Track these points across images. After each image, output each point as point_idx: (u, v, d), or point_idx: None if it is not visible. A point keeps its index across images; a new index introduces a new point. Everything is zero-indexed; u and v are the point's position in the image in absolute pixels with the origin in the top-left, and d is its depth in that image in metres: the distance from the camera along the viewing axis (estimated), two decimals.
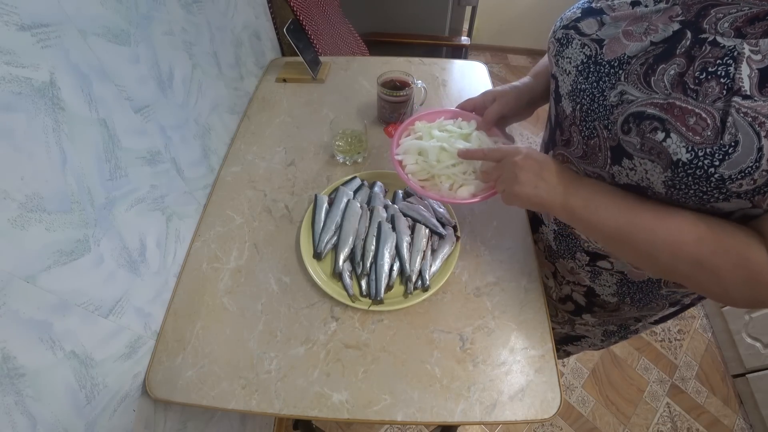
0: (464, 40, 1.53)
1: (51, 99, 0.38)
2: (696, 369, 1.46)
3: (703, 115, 0.35)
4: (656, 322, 0.67)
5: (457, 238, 0.65)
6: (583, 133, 0.48)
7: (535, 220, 0.69)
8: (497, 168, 0.53)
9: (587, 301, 0.66)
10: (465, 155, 0.57)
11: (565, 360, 1.46)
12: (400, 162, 0.62)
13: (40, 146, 0.37)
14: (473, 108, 0.67)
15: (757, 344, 1.32)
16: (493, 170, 0.54)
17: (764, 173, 0.34)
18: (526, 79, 0.65)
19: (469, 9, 1.61)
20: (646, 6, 0.42)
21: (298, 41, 0.91)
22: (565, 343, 0.85)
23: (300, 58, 0.93)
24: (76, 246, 0.42)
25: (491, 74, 1.03)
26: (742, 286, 0.38)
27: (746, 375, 1.36)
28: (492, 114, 0.62)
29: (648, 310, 0.63)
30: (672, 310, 0.63)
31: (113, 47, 0.47)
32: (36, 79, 0.36)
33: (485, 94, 0.66)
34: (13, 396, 0.35)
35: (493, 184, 0.55)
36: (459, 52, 1.56)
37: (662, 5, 0.41)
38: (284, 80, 0.97)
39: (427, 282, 0.60)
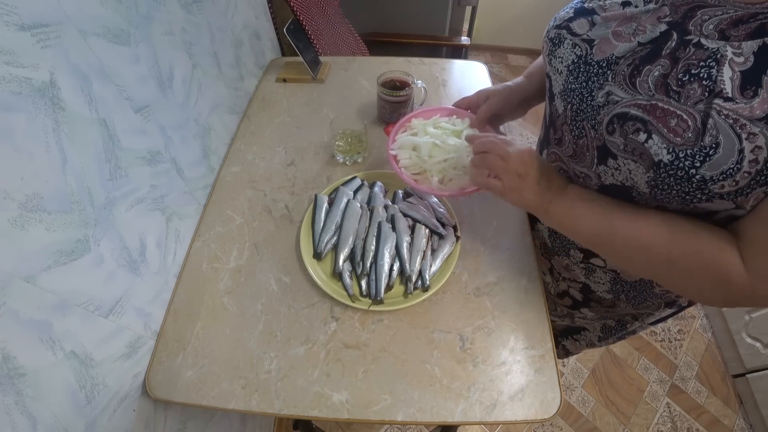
0: (464, 40, 1.53)
1: (51, 99, 0.38)
2: (696, 369, 1.46)
3: (684, 116, 0.35)
4: (654, 323, 0.67)
5: (457, 238, 0.65)
6: (573, 133, 0.48)
7: (532, 218, 0.70)
8: (487, 161, 0.52)
9: (584, 296, 0.67)
10: (471, 139, 0.57)
11: (565, 360, 1.46)
12: (395, 156, 0.65)
13: (40, 146, 0.37)
14: (468, 106, 0.69)
15: (757, 344, 1.32)
16: (482, 162, 0.53)
17: (746, 175, 0.34)
18: (519, 79, 0.67)
19: (469, 9, 1.61)
20: (636, 6, 0.42)
21: (298, 41, 0.91)
22: (564, 337, 0.85)
23: (300, 58, 0.93)
24: (76, 246, 0.42)
25: (491, 74, 1.03)
26: (714, 286, 0.39)
27: (746, 375, 1.36)
28: (483, 112, 0.64)
29: (644, 308, 0.63)
30: (669, 311, 0.63)
31: (113, 47, 0.47)
32: (36, 79, 0.36)
33: (479, 92, 0.68)
34: (13, 396, 0.35)
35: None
36: (459, 52, 1.56)
37: (652, 6, 0.41)
38: (284, 80, 0.97)
39: (427, 282, 0.60)
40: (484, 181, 0.53)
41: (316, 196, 0.69)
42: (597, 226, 0.46)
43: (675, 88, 0.36)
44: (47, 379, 0.39)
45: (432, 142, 0.63)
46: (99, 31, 0.45)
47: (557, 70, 0.48)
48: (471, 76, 1.02)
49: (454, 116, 0.69)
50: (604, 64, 0.42)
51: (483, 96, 0.67)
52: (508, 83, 0.66)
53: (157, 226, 0.58)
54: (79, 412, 0.43)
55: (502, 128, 0.70)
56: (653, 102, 0.37)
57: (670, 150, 0.36)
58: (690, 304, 0.61)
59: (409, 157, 0.64)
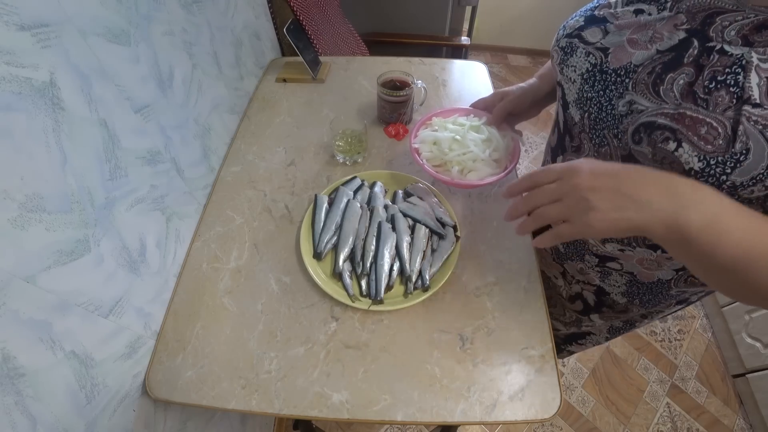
0: (464, 40, 1.53)
1: (51, 99, 0.38)
2: (696, 369, 1.46)
3: (714, 124, 0.35)
4: (661, 317, 0.67)
5: (457, 238, 0.65)
6: (593, 141, 0.47)
7: None
8: (559, 202, 0.38)
9: (597, 300, 0.66)
10: (509, 192, 0.44)
11: (565, 360, 1.46)
12: (417, 150, 0.69)
13: (40, 146, 0.37)
14: (484, 107, 0.73)
15: (757, 344, 1.32)
16: (554, 206, 0.39)
17: None
18: (532, 80, 0.68)
19: (469, 9, 1.61)
20: (650, 14, 0.42)
21: (298, 41, 0.91)
22: (569, 343, 0.85)
23: (300, 58, 0.93)
24: (76, 246, 0.42)
25: (491, 74, 1.03)
26: None
27: (746, 375, 1.36)
28: (499, 111, 0.67)
29: (656, 309, 0.63)
30: (678, 307, 0.63)
31: (113, 47, 0.47)
32: (36, 79, 0.36)
33: (494, 93, 0.72)
34: (13, 396, 0.35)
35: (527, 203, 0.41)
36: (459, 52, 1.56)
37: (666, 13, 0.40)
38: (284, 80, 0.97)
39: (427, 282, 0.60)
40: (549, 237, 0.40)
41: (316, 196, 0.69)
42: (744, 246, 0.33)
43: (702, 95, 0.36)
44: (47, 379, 0.39)
45: (452, 136, 0.67)
46: (99, 31, 0.45)
47: (570, 79, 0.48)
48: (471, 76, 1.02)
49: (472, 115, 0.72)
50: (621, 73, 0.42)
51: (498, 97, 0.70)
52: (522, 84, 0.68)
53: (157, 226, 0.58)
54: (79, 412, 0.43)
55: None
56: (681, 110, 0.37)
57: (701, 158, 0.36)
58: (698, 299, 0.61)
59: (430, 150, 0.68)
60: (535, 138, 2.25)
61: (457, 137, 0.67)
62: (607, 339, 0.77)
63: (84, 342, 0.43)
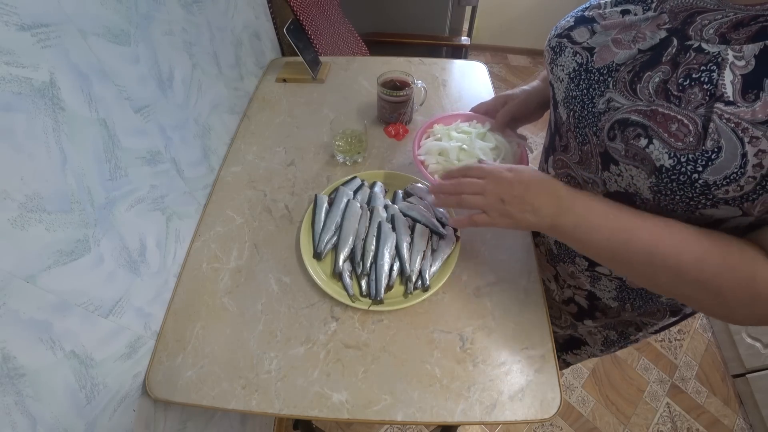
0: (464, 40, 1.53)
1: (51, 99, 0.38)
2: (696, 369, 1.46)
3: (685, 121, 0.35)
4: (657, 331, 0.67)
5: (457, 238, 0.65)
6: (577, 139, 0.48)
7: None
8: (481, 196, 0.49)
9: (589, 304, 0.66)
10: (445, 176, 0.54)
11: None
12: (423, 162, 0.66)
13: (40, 146, 0.37)
14: (485, 111, 0.70)
15: (757, 344, 1.32)
16: (477, 197, 0.49)
17: (750, 179, 0.33)
18: (535, 82, 0.67)
19: (469, 9, 1.61)
20: (635, 15, 0.42)
21: (298, 41, 0.91)
22: (565, 351, 0.84)
23: (300, 58, 0.93)
24: (76, 246, 0.42)
25: (491, 74, 1.03)
26: (748, 305, 0.37)
27: (746, 375, 1.36)
28: (503, 116, 0.66)
29: (649, 317, 0.62)
30: (673, 319, 0.63)
31: (113, 47, 0.47)
32: (36, 79, 0.36)
33: (496, 97, 0.70)
34: (13, 396, 0.35)
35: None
36: (459, 52, 1.56)
37: (650, 14, 0.41)
38: (284, 80, 0.97)
39: (427, 282, 0.60)
40: (466, 220, 0.51)
41: (316, 196, 0.69)
42: (613, 243, 0.42)
43: (675, 93, 0.36)
44: (47, 379, 0.39)
45: (459, 146, 0.64)
46: (99, 31, 0.45)
47: (559, 78, 0.48)
48: (471, 76, 1.02)
49: (475, 121, 0.70)
50: (604, 72, 0.42)
51: (501, 101, 0.68)
52: (525, 87, 0.67)
53: (157, 226, 0.58)
54: (79, 412, 0.43)
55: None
56: (653, 107, 0.37)
57: (672, 155, 0.36)
58: (693, 312, 0.61)
59: (437, 162, 0.65)
60: (534, 138, 2.25)
61: (464, 146, 0.64)
62: (602, 351, 0.77)
63: (84, 342, 0.43)
